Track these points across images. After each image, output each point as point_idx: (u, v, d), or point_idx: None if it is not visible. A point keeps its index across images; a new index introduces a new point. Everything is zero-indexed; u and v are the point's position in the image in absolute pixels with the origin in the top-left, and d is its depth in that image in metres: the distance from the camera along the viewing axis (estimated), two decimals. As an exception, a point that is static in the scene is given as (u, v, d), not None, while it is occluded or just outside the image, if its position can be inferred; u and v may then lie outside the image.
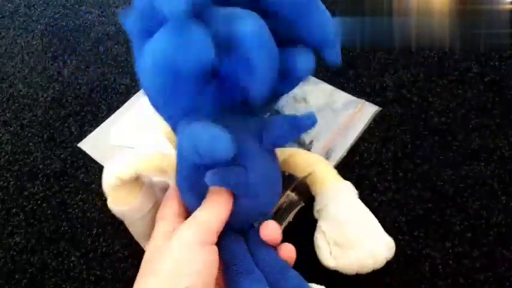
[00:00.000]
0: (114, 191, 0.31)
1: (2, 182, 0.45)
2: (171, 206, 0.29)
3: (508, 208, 0.39)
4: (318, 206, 0.35)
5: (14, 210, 0.43)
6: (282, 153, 0.35)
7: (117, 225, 0.41)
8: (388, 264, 0.36)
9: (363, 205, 0.35)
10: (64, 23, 0.58)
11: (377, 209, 0.40)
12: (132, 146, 0.45)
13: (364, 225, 0.33)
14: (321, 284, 0.29)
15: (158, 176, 0.32)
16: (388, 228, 0.38)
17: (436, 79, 0.49)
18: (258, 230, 0.28)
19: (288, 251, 0.28)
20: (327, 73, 0.51)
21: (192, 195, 0.28)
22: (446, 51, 0.51)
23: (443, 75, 0.49)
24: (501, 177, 0.41)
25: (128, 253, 0.39)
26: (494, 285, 0.35)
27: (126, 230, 0.39)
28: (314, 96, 0.48)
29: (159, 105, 0.27)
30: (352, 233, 0.32)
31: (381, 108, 0.47)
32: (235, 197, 0.27)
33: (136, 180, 0.32)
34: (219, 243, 0.27)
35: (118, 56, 0.53)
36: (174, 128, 0.28)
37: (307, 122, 0.27)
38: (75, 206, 0.43)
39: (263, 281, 0.26)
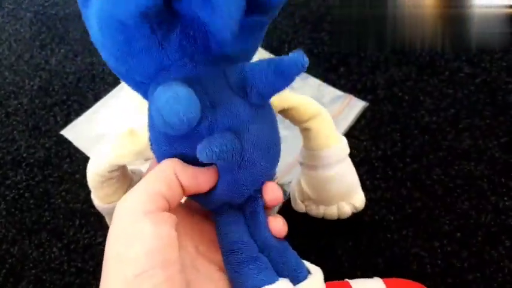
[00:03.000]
0: (98, 189, 0.29)
1: (-17, 170, 0.44)
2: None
3: (497, 208, 0.39)
4: (303, 159, 0.34)
5: (-5, 199, 0.42)
6: (280, 102, 0.31)
7: (100, 217, 0.40)
8: (376, 263, 0.36)
9: (346, 166, 0.33)
10: (53, 12, 0.56)
11: (366, 207, 0.39)
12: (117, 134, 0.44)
13: (341, 188, 0.34)
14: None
15: (141, 163, 0.30)
16: (377, 227, 0.38)
17: (427, 78, 0.49)
18: (257, 203, 0.25)
19: (279, 225, 0.25)
20: (318, 69, 0.50)
21: None
22: (438, 51, 0.51)
23: (435, 74, 0.49)
24: (490, 178, 0.41)
25: (111, 245, 0.38)
26: (483, 286, 0.35)
27: (109, 222, 0.38)
28: (301, 90, 0.48)
29: (122, 73, 0.24)
30: (327, 194, 0.34)
31: (368, 104, 0.47)
32: (228, 169, 0.23)
33: (124, 177, 0.31)
34: (216, 228, 0.25)
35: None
36: (145, 96, 0.25)
37: (294, 69, 0.21)
38: (58, 196, 0.42)
39: (271, 269, 0.23)
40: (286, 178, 0.42)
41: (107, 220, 0.33)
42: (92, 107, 0.47)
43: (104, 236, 0.39)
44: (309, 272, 0.24)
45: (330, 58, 0.51)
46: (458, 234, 0.38)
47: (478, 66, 0.49)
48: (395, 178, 0.41)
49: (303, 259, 0.25)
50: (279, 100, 0.30)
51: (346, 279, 0.32)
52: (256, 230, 0.25)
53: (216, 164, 0.23)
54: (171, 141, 0.23)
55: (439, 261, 0.36)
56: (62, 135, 0.46)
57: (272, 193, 0.25)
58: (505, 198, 0.39)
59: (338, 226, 0.36)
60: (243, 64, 0.23)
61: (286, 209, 0.37)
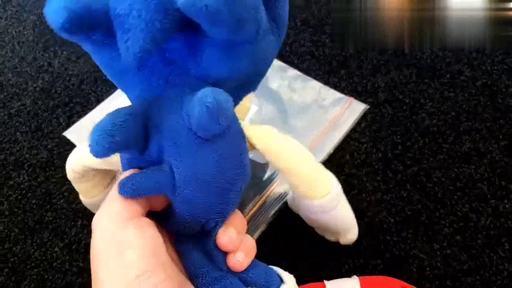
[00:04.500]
0: (76, 183, 0.30)
1: (-14, 171, 0.44)
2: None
3: (497, 211, 0.39)
4: (292, 200, 0.34)
5: (-2, 199, 0.42)
6: (276, 161, 0.29)
7: (102, 218, 0.40)
8: (376, 264, 0.36)
9: (338, 211, 0.32)
10: (57, 14, 0.57)
11: (366, 209, 0.40)
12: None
13: (334, 228, 0.33)
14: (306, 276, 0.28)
15: (107, 168, 0.30)
16: (377, 229, 0.38)
17: (428, 81, 0.49)
18: (209, 240, 0.24)
19: (248, 248, 0.24)
20: (318, 72, 0.50)
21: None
22: (439, 54, 0.51)
23: (435, 77, 0.49)
24: (491, 181, 0.41)
25: (112, 246, 0.38)
26: (481, 288, 0.35)
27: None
28: (302, 93, 0.48)
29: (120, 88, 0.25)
30: (319, 226, 0.34)
31: (369, 106, 0.47)
32: (169, 196, 0.23)
33: (104, 173, 0.31)
34: (178, 253, 0.24)
35: (111, 48, 0.52)
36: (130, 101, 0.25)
37: (194, 111, 0.20)
38: (60, 196, 0.42)
39: (238, 284, 0.23)
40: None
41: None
42: (94, 109, 0.48)
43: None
44: (281, 281, 0.24)
45: (330, 61, 0.52)
46: (458, 236, 0.38)
47: (478, 69, 0.49)
48: (396, 180, 0.41)
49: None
50: (274, 159, 0.29)
51: (324, 281, 0.32)
52: (216, 262, 0.24)
53: None
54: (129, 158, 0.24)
55: (438, 264, 0.36)
56: (64, 137, 0.46)
57: (221, 240, 0.24)
58: (505, 201, 0.39)
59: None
60: (197, 92, 0.20)
61: (289, 210, 0.38)
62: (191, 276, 0.23)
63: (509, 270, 0.36)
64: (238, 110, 0.26)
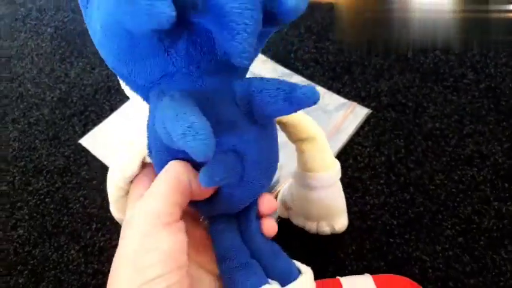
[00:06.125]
0: (118, 201, 0.28)
1: (8, 177, 0.47)
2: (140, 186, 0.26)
3: (500, 213, 0.39)
4: (295, 175, 0.35)
5: (19, 204, 0.45)
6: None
7: (115, 221, 0.42)
8: (379, 266, 0.37)
9: (334, 191, 0.34)
10: (72, 27, 0.60)
11: (369, 211, 0.41)
12: (133, 142, 0.46)
13: (325, 209, 0.35)
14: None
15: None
16: (380, 231, 0.39)
17: (431, 85, 0.49)
18: (251, 212, 0.26)
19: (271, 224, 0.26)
20: (322, 78, 0.52)
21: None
22: (442, 57, 0.52)
23: (438, 81, 0.50)
24: (493, 183, 0.41)
25: (125, 248, 0.40)
26: (483, 290, 0.35)
27: (123, 226, 0.40)
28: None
29: (123, 74, 0.23)
30: (309, 212, 0.35)
31: (371, 111, 0.48)
32: (226, 186, 0.23)
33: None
34: (210, 234, 0.26)
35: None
36: (146, 100, 0.25)
37: (306, 102, 0.21)
38: (77, 201, 0.44)
39: (260, 274, 0.24)
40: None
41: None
42: (108, 117, 0.50)
43: (118, 240, 0.41)
44: (299, 272, 0.25)
45: (334, 67, 0.53)
46: (461, 238, 0.38)
47: (482, 72, 0.50)
48: (399, 183, 0.42)
49: (307, 262, 0.27)
50: (299, 127, 0.30)
51: (337, 277, 0.33)
52: (248, 236, 0.26)
53: None
54: (174, 153, 0.23)
55: (441, 265, 0.37)
56: (80, 144, 0.48)
57: (267, 205, 0.26)
58: (508, 203, 0.40)
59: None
60: (250, 80, 0.23)
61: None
62: (219, 259, 0.25)
63: None
64: None
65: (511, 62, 0.50)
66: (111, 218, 0.42)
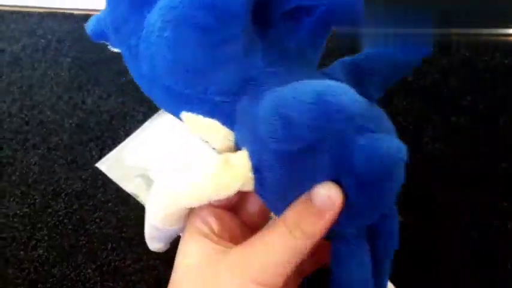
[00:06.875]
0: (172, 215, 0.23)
1: (29, 200, 0.50)
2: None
3: (504, 233, 0.41)
4: None
5: (39, 225, 0.47)
6: None
7: (129, 241, 0.44)
8: None
9: None
10: (89, 57, 0.63)
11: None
12: (146, 166, 0.49)
13: None
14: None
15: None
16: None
17: (431, 107, 0.51)
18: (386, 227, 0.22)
19: None
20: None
21: (289, 203, 0.20)
22: (442, 80, 0.54)
23: (439, 104, 0.51)
24: (495, 203, 0.43)
25: (139, 267, 0.42)
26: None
27: (137, 246, 0.43)
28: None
29: (190, 96, 0.21)
30: None
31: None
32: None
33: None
34: (333, 256, 0.21)
35: (136, 86, 0.58)
36: (226, 120, 0.21)
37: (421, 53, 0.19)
38: (93, 222, 0.47)
39: None
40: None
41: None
42: (123, 142, 0.53)
43: (133, 259, 0.43)
44: None
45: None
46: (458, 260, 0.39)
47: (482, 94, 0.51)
48: (398, 205, 0.44)
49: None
50: None
51: None
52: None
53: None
54: (292, 157, 0.19)
55: None
56: (96, 168, 0.51)
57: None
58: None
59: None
60: (344, 60, 0.23)
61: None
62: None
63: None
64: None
65: None
66: (125, 238, 0.45)
